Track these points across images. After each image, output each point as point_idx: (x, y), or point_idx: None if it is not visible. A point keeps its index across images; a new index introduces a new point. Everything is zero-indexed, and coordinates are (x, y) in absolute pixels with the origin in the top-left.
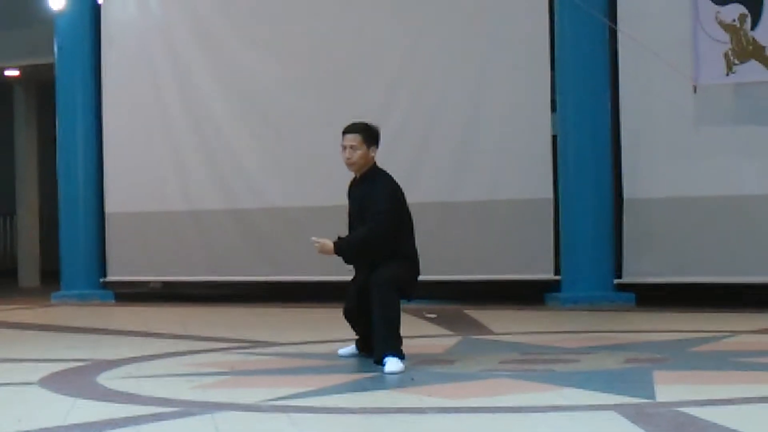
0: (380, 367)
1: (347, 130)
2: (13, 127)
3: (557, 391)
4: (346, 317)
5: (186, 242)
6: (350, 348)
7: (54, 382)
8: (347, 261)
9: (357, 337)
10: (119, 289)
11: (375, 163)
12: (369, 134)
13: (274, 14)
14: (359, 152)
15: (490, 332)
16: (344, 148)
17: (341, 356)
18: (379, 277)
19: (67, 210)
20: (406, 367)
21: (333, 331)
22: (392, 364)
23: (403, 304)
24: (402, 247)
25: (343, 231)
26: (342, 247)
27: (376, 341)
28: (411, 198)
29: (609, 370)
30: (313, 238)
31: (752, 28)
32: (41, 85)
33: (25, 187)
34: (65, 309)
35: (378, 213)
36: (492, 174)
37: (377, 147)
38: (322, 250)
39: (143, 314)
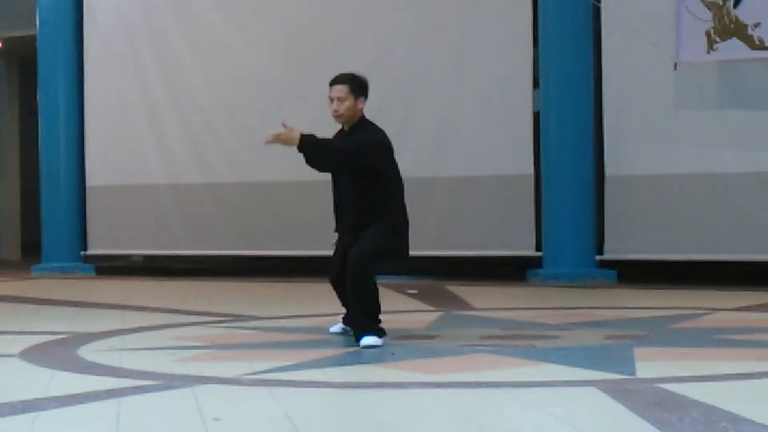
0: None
1: (334, 81)
2: None
3: (538, 366)
4: (332, 286)
5: (167, 216)
6: (339, 325)
7: (34, 355)
8: (307, 157)
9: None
10: (100, 262)
11: (363, 115)
12: (356, 85)
13: None
14: (346, 104)
15: (471, 308)
16: (331, 99)
17: (331, 333)
18: (354, 256)
19: (49, 183)
20: (386, 342)
21: (315, 306)
22: (368, 339)
23: (386, 279)
24: (387, 203)
25: (322, 205)
26: (306, 141)
27: (352, 323)
28: None
29: (590, 346)
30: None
31: (735, 6)
32: (23, 57)
33: (6, 160)
34: (46, 282)
35: (352, 146)
36: (473, 150)
37: (366, 98)
38: (286, 138)
39: (124, 287)
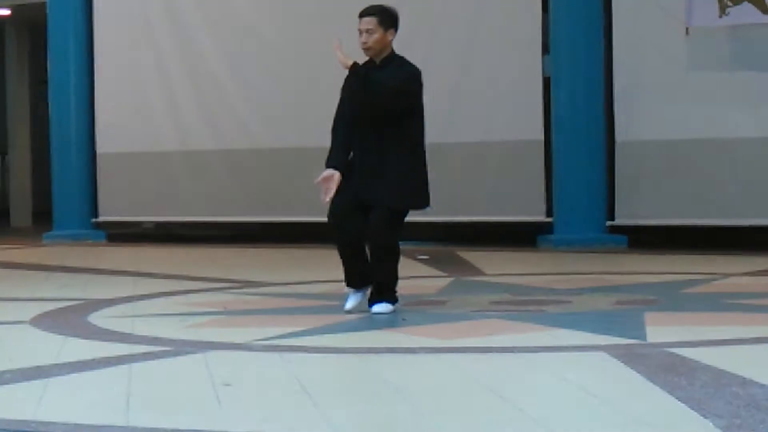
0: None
1: (363, 13)
2: (5, 67)
3: (548, 331)
4: (335, 226)
5: (178, 183)
6: (353, 298)
7: (46, 321)
8: (356, 86)
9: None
10: (111, 229)
11: (393, 49)
12: (386, 16)
13: None
14: (375, 36)
15: (482, 273)
16: (360, 32)
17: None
18: (378, 226)
19: (59, 150)
20: (397, 307)
21: (326, 272)
22: (381, 306)
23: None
24: (415, 134)
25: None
26: (360, 71)
27: (374, 286)
28: None
29: (600, 311)
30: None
31: None
32: (33, 24)
33: (17, 127)
34: (57, 249)
35: (402, 84)
36: (484, 116)
37: (395, 31)
38: (342, 60)
39: (135, 254)
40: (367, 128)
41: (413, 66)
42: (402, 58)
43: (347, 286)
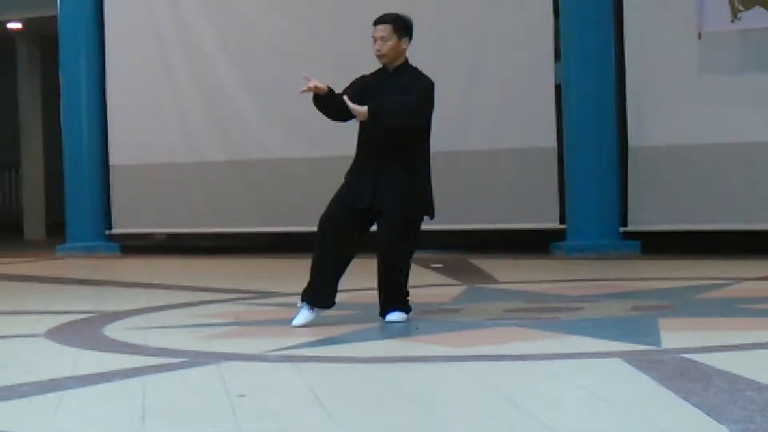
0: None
1: (377, 21)
2: (17, 80)
3: (562, 338)
4: (327, 230)
5: (191, 194)
6: (307, 315)
7: (60, 334)
8: (377, 127)
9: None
10: (124, 241)
11: (407, 58)
12: (400, 24)
13: None
14: (390, 43)
15: (495, 281)
16: (374, 39)
17: (294, 326)
18: (392, 239)
19: (72, 162)
20: (411, 316)
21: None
22: (395, 314)
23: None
24: (422, 143)
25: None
26: (377, 111)
27: (385, 296)
28: None
29: (614, 317)
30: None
31: None
32: (44, 37)
33: (30, 140)
34: (70, 261)
35: (421, 97)
36: (496, 123)
37: (410, 39)
38: (356, 112)
39: (148, 266)
40: (375, 135)
41: (426, 76)
42: (415, 68)
43: (304, 301)
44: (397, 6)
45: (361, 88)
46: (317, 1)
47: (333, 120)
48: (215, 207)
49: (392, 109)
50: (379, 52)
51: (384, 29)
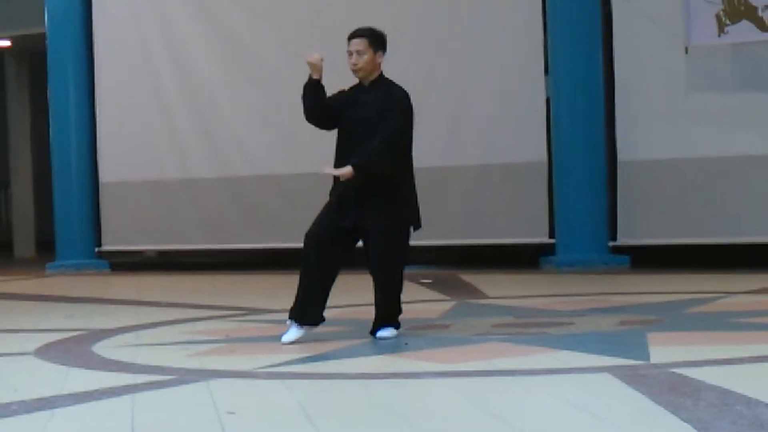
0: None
1: (352, 35)
2: (5, 97)
3: (551, 353)
4: (311, 248)
5: (180, 210)
6: (296, 332)
7: (50, 352)
8: (368, 176)
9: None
10: (114, 258)
11: (381, 71)
12: (375, 38)
13: None
14: (366, 57)
15: (485, 296)
16: (350, 53)
17: (284, 343)
18: (384, 259)
19: (61, 180)
20: (400, 332)
21: (330, 298)
22: (386, 331)
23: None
24: (408, 166)
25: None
26: (362, 165)
27: (377, 314)
28: None
29: (603, 332)
30: (326, 170)
31: None
32: (33, 55)
33: (19, 157)
34: (60, 279)
35: (400, 118)
36: (486, 138)
37: (384, 52)
38: (343, 175)
39: (138, 283)
40: (358, 140)
41: (401, 89)
42: (390, 81)
43: (292, 318)
44: (389, 22)
45: (339, 105)
46: (309, 15)
47: (311, 118)
48: (205, 224)
49: (376, 155)
50: (356, 66)
51: (360, 43)
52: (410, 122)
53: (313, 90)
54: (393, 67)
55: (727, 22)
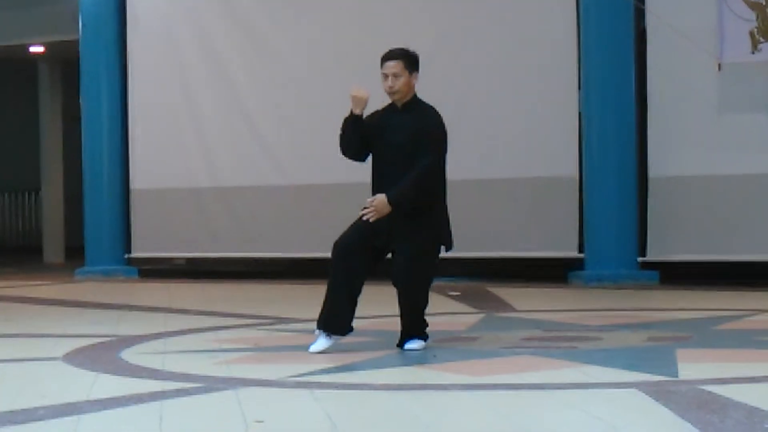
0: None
1: (387, 57)
2: (38, 103)
3: (579, 368)
4: (339, 257)
5: (211, 218)
6: (325, 342)
7: (78, 358)
8: (405, 209)
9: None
10: (143, 265)
11: (416, 93)
12: (410, 60)
13: None
14: (402, 79)
15: (513, 309)
16: (386, 76)
17: (311, 352)
18: (410, 270)
19: (92, 186)
20: (428, 344)
21: (358, 309)
22: (414, 343)
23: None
24: (441, 184)
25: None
26: (398, 199)
27: (403, 326)
28: None
29: (632, 347)
30: (366, 211)
31: None
32: (66, 61)
33: (50, 163)
34: (89, 285)
35: (434, 150)
36: (518, 152)
37: (418, 73)
38: (379, 211)
39: (167, 290)
40: (393, 167)
41: (434, 112)
42: (423, 103)
43: (320, 328)
44: (425, 34)
45: (372, 131)
46: (343, 28)
47: (348, 152)
48: (235, 232)
49: (409, 192)
50: (392, 89)
51: (395, 65)
52: (444, 151)
53: (354, 125)
54: (428, 84)
55: (761, 39)
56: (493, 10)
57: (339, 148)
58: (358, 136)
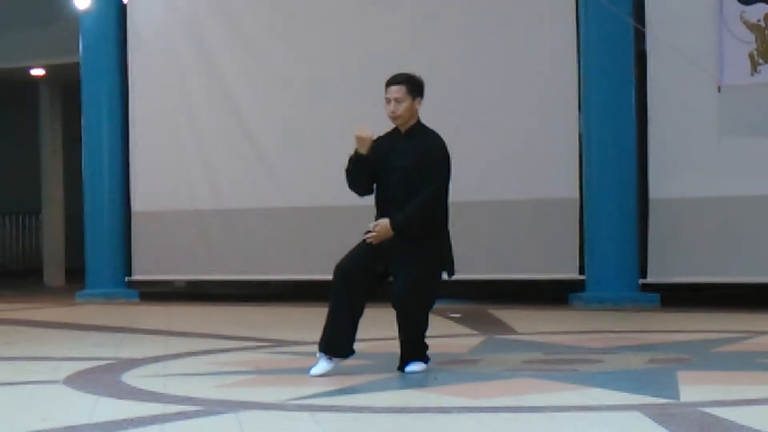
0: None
1: (390, 82)
2: (39, 125)
3: (581, 391)
4: (341, 279)
5: (211, 241)
6: (325, 365)
7: (79, 381)
8: (407, 236)
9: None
10: (144, 287)
11: (419, 118)
12: (413, 85)
13: (304, 14)
14: (404, 104)
15: (514, 332)
16: (388, 101)
17: (313, 375)
18: (410, 293)
19: (93, 209)
20: (429, 367)
21: (359, 331)
22: (415, 365)
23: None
24: (443, 215)
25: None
26: (402, 225)
27: (403, 349)
28: None
29: (633, 370)
30: (369, 236)
31: None
32: (66, 83)
33: (51, 185)
34: (90, 308)
35: (437, 176)
36: (518, 173)
37: (422, 99)
38: (382, 236)
39: (168, 313)
40: (397, 191)
41: (437, 137)
42: (426, 128)
43: (322, 350)
44: (425, 55)
45: (376, 158)
46: (346, 50)
47: (355, 188)
48: (236, 254)
49: (412, 218)
50: (394, 114)
51: (398, 90)
52: (447, 178)
53: (360, 164)
54: (426, 105)
55: (760, 61)
56: (493, 32)
57: (346, 183)
58: (366, 174)
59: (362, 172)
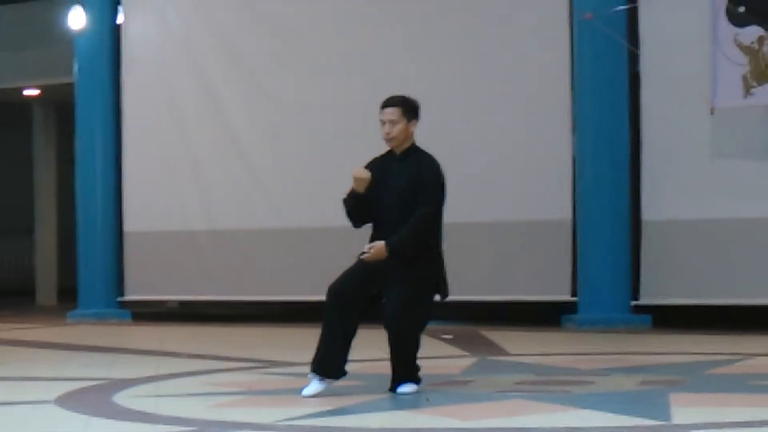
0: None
1: (385, 104)
2: (32, 145)
3: (573, 412)
4: (333, 300)
5: (204, 261)
6: (318, 386)
7: (70, 401)
8: (402, 257)
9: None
10: (136, 308)
11: (414, 141)
12: (408, 107)
13: (298, 33)
14: (399, 126)
15: (506, 353)
16: (383, 123)
17: (305, 396)
18: (400, 315)
19: (85, 229)
20: (421, 388)
21: (351, 352)
22: (406, 386)
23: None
24: (436, 238)
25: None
26: (397, 247)
27: (394, 370)
28: None
29: (625, 391)
30: (363, 256)
31: None
32: (60, 104)
33: (44, 205)
34: (82, 328)
35: (432, 198)
36: (511, 195)
37: (417, 121)
38: (376, 258)
39: (160, 333)
40: (391, 213)
41: (432, 160)
42: (421, 150)
43: (314, 371)
44: (418, 77)
45: (373, 182)
46: (341, 68)
47: (356, 223)
48: (229, 275)
49: (406, 240)
50: (389, 136)
51: (393, 112)
52: (442, 200)
53: (358, 204)
54: (421, 126)
55: (754, 83)
56: (486, 54)
57: (345, 215)
58: (365, 209)
59: (362, 211)
